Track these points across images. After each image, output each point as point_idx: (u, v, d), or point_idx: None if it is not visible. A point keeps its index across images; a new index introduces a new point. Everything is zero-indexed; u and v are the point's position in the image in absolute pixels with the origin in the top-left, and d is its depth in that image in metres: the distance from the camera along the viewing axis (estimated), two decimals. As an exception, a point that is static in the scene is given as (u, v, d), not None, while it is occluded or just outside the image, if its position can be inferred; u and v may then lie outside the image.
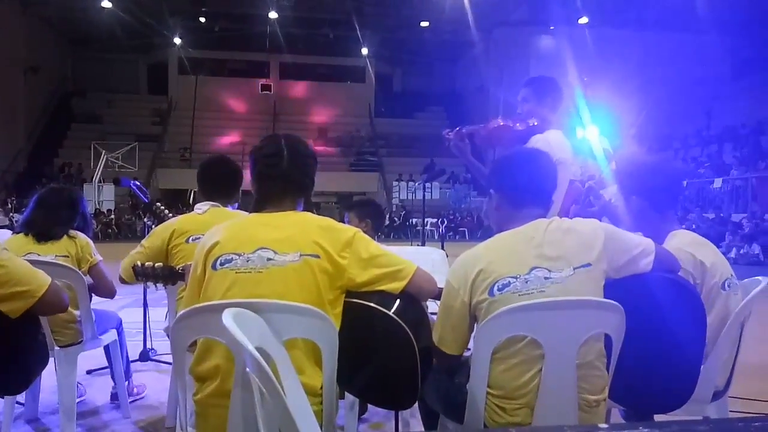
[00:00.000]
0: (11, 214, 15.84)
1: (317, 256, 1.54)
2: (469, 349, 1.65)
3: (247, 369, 1.18)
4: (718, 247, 2.35)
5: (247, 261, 1.54)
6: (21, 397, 2.85)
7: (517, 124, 2.67)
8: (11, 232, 2.99)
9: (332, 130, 26.35)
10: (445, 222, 18.66)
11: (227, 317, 1.20)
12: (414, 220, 19.27)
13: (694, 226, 13.10)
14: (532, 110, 2.68)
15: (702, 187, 15.86)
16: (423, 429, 2.04)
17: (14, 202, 17.45)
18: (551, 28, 20.65)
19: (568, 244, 1.57)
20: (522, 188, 1.69)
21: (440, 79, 27.31)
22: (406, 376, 1.55)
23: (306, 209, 1.71)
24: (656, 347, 1.62)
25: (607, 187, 3.05)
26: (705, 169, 16.80)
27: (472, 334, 1.64)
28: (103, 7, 18.88)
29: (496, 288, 1.53)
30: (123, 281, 2.44)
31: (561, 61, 16.21)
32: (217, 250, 1.58)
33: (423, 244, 5.42)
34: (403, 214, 20.70)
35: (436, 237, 16.42)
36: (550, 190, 1.74)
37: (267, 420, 1.16)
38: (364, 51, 24.71)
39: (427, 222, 16.48)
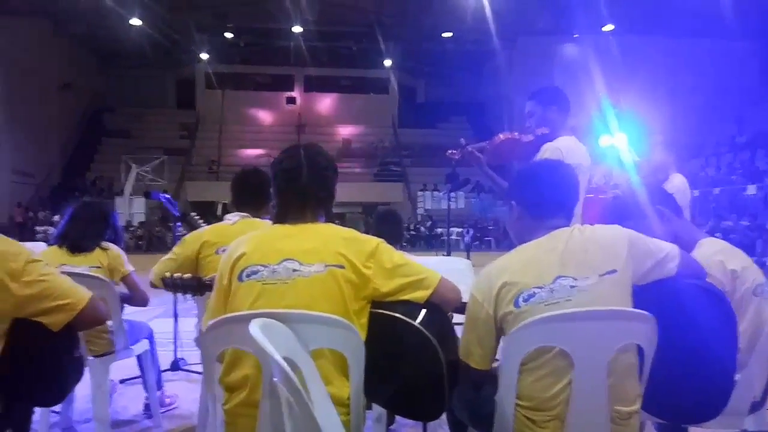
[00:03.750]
0: (45, 227, 16.24)
1: (342, 267, 1.55)
2: (497, 360, 1.63)
3: (275, 379, 1.19)
4: (753, 254, 2.31)
5: (273, 272, 1.55)
6: (56, 406, 2.91)
7: (524, 136, 2.69)
8: (45, 244, 3.08)
9: (356, 141, 26.50)
10: (471, 231, 18.55)
11: (255, 327, 1.22)
12: (439, 230, 19.20)
13: (718, 234, 12.78)
14: (540, 121, 2.70)
15: (735, 194, 15.49)
16: (451, 440, 2.02)
17: (49, 215, 17.91)
18: (575, 36, 20.49)
19: (591, 252, 1.56)
20: (544, 200, 1.69)
21: (463, 89, 27.24)
22: (433, 387, 1.54)
23: (327, 220, 1.72)
24: (687, 356, 1.59)
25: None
26: (737, 176, 16.41)
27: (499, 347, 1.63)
28: (133, 25, 19.37)
29: (521, 299, 1.52)
30: (153, 285, 2.50)
31: (586, 70, 16.04)
32: (243, 262, 1.60)
33: (448, 254, 5.39)
34: (428, 224, 20.64)
35: (462, 247, 16.35)
36: (573, 201, 1.74)
37: (295, 430, 1.17)
38: (387, 63, 24.86)
39: (452, 232, 16.42)
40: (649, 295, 1.59)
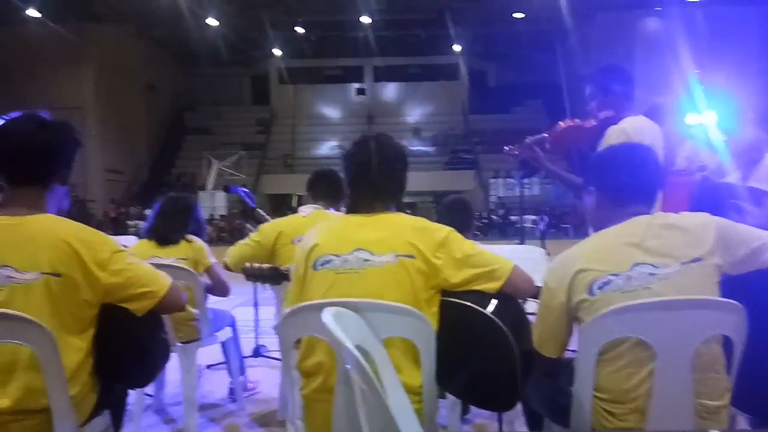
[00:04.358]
0: (136, 221, 17.33)
1: (412, 257, 1.56)
2: (572, 351, 1.59)
3: (347, 366, 1.21)
4: None
5: (345, 262, 1.59)
6: (150, 389, 3.12)
7: (586, 122, 2.57)
8: (137, 237, 3.29)
9: (426, 129, 26.40)
10: (546, 219, 18.05)
11: (327, 316, 1.25)
12: (513, 218, 18.82)
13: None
14: (602, 104, 2.57)
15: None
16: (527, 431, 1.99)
17: (140, 209, 19.09)
18: (658, 9, 19.32)
19: (673, 239, 1.48)
20: (624, 185, 1.61)
21: (537, 71, 26.34)
22: (505, 377, 1.52)
23: (397, 211, 1.74)
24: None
25: (727, 177, 2.82)
26: None
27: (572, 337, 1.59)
28: (209, 25, 20.18)
29: (596, 286, 1.47)
30: (227, 267, 2.65)
31: (671, 45, 15.13)
32: (316, 252, 1.64)
33: (522, 243, 5.27)
34: (501, 212, 20.28)
35: (537, 235, 15.96)
36: (654, 187, 1.65)
37: (369, 416, 1.19)
38: (457, 48, 24.54)
39: (527, 219, 16.01)
40: (741, 284, 1.49)
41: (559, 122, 2.64)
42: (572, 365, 1.52)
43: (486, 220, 19.90)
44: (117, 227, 16.92)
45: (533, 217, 17.90)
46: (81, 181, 18.80)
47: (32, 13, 17.63)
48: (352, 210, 1.74)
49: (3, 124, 1.59)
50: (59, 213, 1.65)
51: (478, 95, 26.79)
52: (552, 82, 25.62)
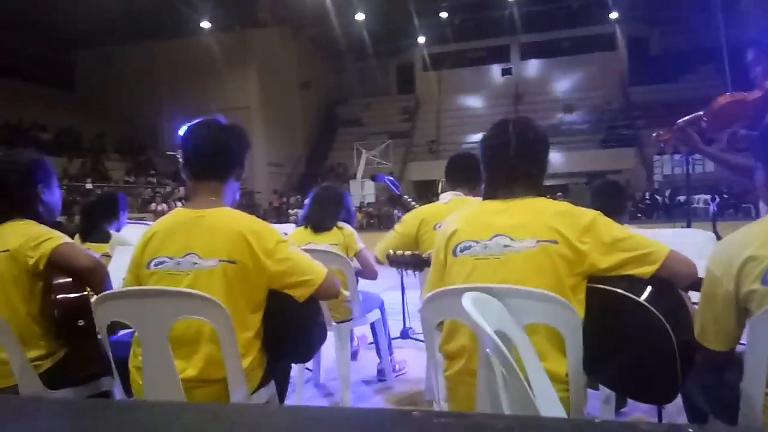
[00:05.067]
0: (296, 210, 18.72)
1: (555, 242, 1.52)
2: (742, 344, 1.44)
3: (487, 350, 1.23)
4: None
5: (485, 248, 1.59)
6: (309, 365, 3.39)
7: (750, 94, 2.24)
8: (295, 225, 3.58)
9: (579, 106, 24.94)
10: (717, 199, 16.13)
11: (467, 301, 1.27)
12: (682, 198, 17.10)
13: None
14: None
15: None
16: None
17: (299, 199, 20.62)
18: None
19: None
20: None
21: (708, 34, 23.51)
22: (662, 368, 1.43)
23: (538, 195, 1.69)
24: None
25: None
26: None
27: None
28: (357, 20, 20.99)
29: None
30: (378, 261, 2.80)
31: None
32: (456, 238, 1.66)
33: (689, 226, 4.79)
34: (668, 192, 18.54)
35: (709, 217, 14.31)
36: None
37: (511, 401, 1.20)
38: (613, 16, 22.78)
39: (697, 200, 14.48)
40: None
41: (718, 98, 2.36)
42: (739, 359, 1.38)
43: (649, 201, 18.38)
44: (279, 216, 18.43)
45: (705, 197, 16.12)
46: (248, 174, 20.67)
47: (205, 24, 19.76)
48: (489, 196, 1.72)
49: (188, 128, 1.85)
50: (232, 204, 1.87)
51: (639, 65, 24.63)
52: (728, 44, 22.69)
